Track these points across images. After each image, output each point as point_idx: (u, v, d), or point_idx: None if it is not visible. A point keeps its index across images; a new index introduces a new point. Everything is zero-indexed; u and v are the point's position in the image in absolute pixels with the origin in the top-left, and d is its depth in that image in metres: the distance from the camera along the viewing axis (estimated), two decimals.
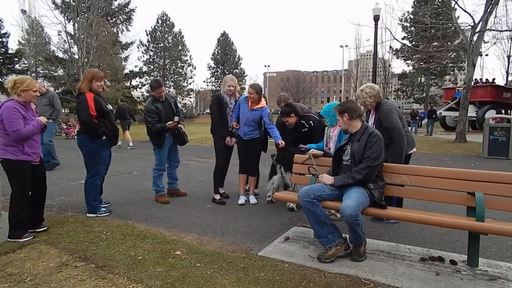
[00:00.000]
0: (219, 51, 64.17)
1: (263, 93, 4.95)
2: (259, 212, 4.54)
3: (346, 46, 50.86)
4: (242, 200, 5.02)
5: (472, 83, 14.98)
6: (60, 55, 31.89)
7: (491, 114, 16.45)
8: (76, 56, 26.94)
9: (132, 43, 45.10)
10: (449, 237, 3.54)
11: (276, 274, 2.68)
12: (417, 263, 2.89)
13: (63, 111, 39.38)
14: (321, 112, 4.28)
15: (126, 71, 44.56)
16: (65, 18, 31.71)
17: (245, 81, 65.78)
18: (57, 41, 32.05)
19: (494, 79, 21.99)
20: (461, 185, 2.96)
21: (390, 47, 41.83)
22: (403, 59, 43.47)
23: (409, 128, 19.90)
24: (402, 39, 39.28)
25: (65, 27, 28.21)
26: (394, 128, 3.68)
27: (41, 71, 38.13)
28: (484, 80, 22.11)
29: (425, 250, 3.19)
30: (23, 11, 32.90)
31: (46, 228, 3.68)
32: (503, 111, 19.55)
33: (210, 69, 64.81)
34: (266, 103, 4.98)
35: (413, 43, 38.85)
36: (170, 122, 4.80)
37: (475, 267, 2.81)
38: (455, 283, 2.55)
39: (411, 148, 3.92)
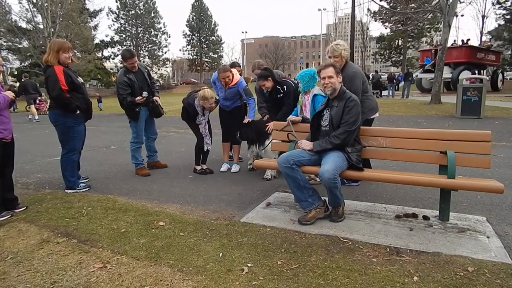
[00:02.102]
0: (194, 18, 61.68)
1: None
2: (240, 180, 4.59)
3: (324, 9, 50.41)
4: (224, 167, 5.08)
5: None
6: (23, 25, 29.93)
7: (465, 74, 16.80)
8: (41, 26, 25.29)
9: (100, 10, 42.88)
10: (422, 194, 3.71)
11: (259, 238, 2.76)
12: (393, 220, 3.03)
13: None
14: (297, 76, 4.24)
15: (97, 41, 42.63)
16: None
17: (222, 49, 64.13)
18: (18, 10, 29.90)
19: (468, 39, 22.26)
20: (434, 145, 3.07)
21: (368, 9, 41.54)
22: (381, 22, 43.26)
23: (388, 91, 19.99)
24: (380, 0, 38.88)
25: None
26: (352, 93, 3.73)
27: (4, 43, 35.80)
28: (460, 42, 22.34)
29: (400, 208, 3.34)
30: None
31: (25, 207, 3.60)
32: (476, 72, 19.98)
33: (185, 37, 62.57)
34: (241, 73, 5.02)
35: (391, 4, 38.52)
36: (138, 98, 4.64)
37: (446, 221, 2.97)
38: (427, 236, 2.70)
39: (373, 113, 3.94)
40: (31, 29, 27.21)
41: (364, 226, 2.93)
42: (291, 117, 3.76)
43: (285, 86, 4.55)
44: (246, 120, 4.71)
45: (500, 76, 22.18)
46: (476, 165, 3.01)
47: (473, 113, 9.83)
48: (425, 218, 3.04)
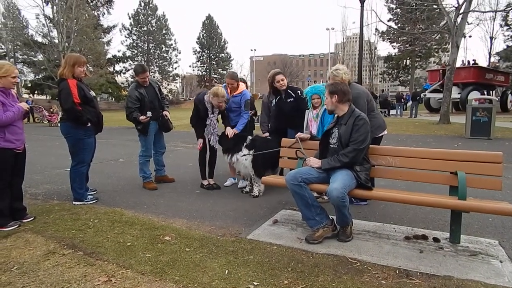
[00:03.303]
0: (205, 35, 62.98)
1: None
2: (247, 196, 4.56)
3: (333, 29, 51.29)
4: (228, 182, 5.09)
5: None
6: (39, 39, 30.96)
7: (474, 95, 16.74)
8: (56, 41, 26.06)
9: (114, 26, 44.10)
10: (432, 215, 3.64)
11: (265, 256, 2.73)
12: (402, 242, 2.98)
13: (45, 97, 38.45)
14: (307, 92, 4.24)
15: (109, 56, 43.59)
16: (43, 0, 30.49)
17: (231, 66, 65.08)
18: (35, 24, 31.02)
19: (474, 60, 22.32)
20: (444, 165, 3.03)
21: (376, 29, 41.82)
22: (389, 42, 43.48)
23: (396, 110, 20.03)
24: (388, 21, 39.25)
25: (43, 10, 27.13)
26: None
27: (20, 56, 36.93)
28: (467, 63, 22.39)
29: (409, 229, 3.27)
30: None
31: (33, 218, 3.62)
32: (485, 92, 19.92)
33: (195, 54, 63.79)
34: (247, 87, 5.18)
35: (399, 25, 38.79)
36: (142, 117, 4.68)
37: (457, 243, 2.91)
38: (438, 259, 2.64)
39: (380, 131, 3.95)
40: (47, 43, 28.05)
41: (373, 247, 2.87)
42: (300, 134, 3.76)
43: (299, 91, 4.60)
44: (232, 131, 4.70)
45: (510, 97, 22.04)
46: (487, 187, 2.95)
47: (483, 133, 9.73)
48: (436, 240, 2.97)
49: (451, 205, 2.78)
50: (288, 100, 4.60)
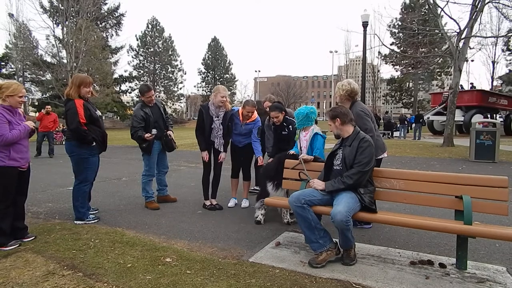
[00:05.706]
0: (210, 56, 64.15)
1: (254, 98, 5.08)
2: (250, 217, 4.51)
3: (336, 51, 51.70)
4: (232, 203, 5.06)
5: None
6: (48, 59, 31.60)
7: (477, 118, 16.76)
8: (65, 61, 26.64)
9: (121, 47, 44.96)
10: (438, 240, 3.58)
11: (267, 280, 2.67)
12: (407, 267, 2.91)
13: None
14: (294, 113, 4.35)
15: (116, 75, 44.29)
16: (54, 22, 31.47)
17: (235, 86, 65.93)
18: (45, 45, 31.92)
19: (472, 83, 22.50)
20: (449, 189, 3.00)
21: (379, 52, 42.49)
22: (392, 65, 44.11)
23: (400, 132, 20.07)
24: (391, 45, 39.91)
25: (54, 31, 27.89)
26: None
27: (29, 76, 37.65)
28: (460, 87, 22.56)
29: (414, 253, 3.21)
30: (11, 15, 32.56)
31: (33, 237, 3.59)
32: (489, 115, 19.94)
33: (200, 74, 64.78)
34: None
35: (401, 48, 39.36)
36: (147, 135, 4.71)
37: (464, 270, 2.84)
38: (445, 286, 2.57)
39: (381, 153, 3.92)
40: (55, 63, 28.64)
41: (378, 272, 2.81)
42: (303, 156, 3.76)
43: (290, 126, 4.65)
44: (259, 159, 4.83)
45: None
46: (493, 212, 2.91)
47: (487, 157, 9.67)
48: (442, 266, 2.91)
49: (457, 230, 2.74)
50: (282, 133, 4.68)
